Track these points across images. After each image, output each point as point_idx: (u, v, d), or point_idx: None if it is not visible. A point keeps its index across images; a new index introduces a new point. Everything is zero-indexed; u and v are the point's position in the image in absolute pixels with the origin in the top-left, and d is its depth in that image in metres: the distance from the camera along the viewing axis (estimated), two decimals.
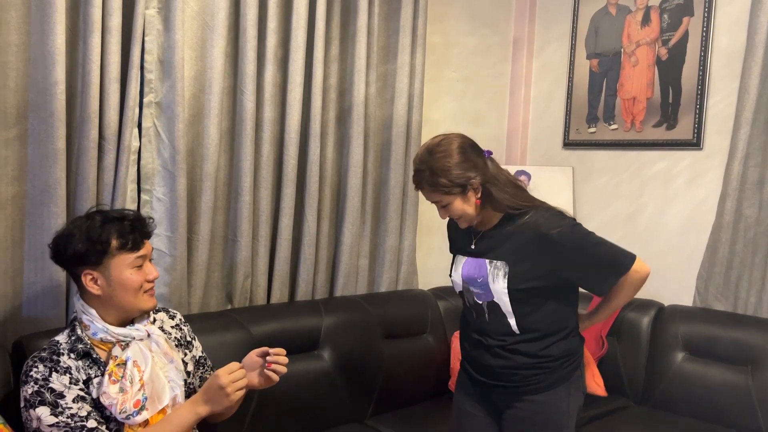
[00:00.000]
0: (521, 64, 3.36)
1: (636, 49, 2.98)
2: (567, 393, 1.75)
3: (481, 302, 1.76)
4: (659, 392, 2.62)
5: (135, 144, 2.06)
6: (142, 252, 1.57)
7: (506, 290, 1.69)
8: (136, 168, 2.09)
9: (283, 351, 1.60)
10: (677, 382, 2.58)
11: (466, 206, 1.71)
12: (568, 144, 3.23)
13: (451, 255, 1.91)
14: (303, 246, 2.49)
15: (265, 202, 2.36)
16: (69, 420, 1.42)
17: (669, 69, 2.87)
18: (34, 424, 1.42)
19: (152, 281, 1.59)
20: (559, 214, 1.73)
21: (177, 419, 1.51)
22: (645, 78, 2.95)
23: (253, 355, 1.63)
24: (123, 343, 1.53)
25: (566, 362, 1.74)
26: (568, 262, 1.68)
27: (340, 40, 2.54)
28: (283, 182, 2.40)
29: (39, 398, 1.43)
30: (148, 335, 1.57)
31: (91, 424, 1.44)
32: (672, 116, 2.86)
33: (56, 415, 1.41)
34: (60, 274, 1.89)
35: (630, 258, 1.73)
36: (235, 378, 1.50)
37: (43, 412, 1.41)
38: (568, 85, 3.23)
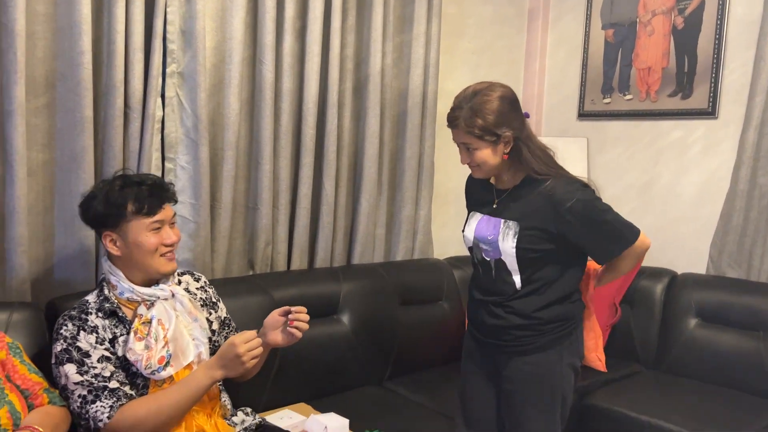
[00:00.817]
0: (536, 35, 3.36)
1: (652, 18, 2.97)
2: (559, 356, 1.79)
3: (488, 259, 1.81)
4: (671, 358, 2.67)
5: (159, 113, 2.11)
6: (159, 217, 1.61)
7: (514, 249, 1.73)
8: (160, 137, 2.14)
9: (304, 309, 1.66)
10: (689, 348, 2.62)
11: (492, 157, 1.72)
12: (583, 115, 3.25)
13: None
14: (321, 215, 2.54)
15: (284, 171, 2.41)
16: (93, 379, 1.49)
17: (685, 38, 2.87)
18: (62, 381, 1.50)
19: (170, 245, 1.63)
20: (577, 184, 1.75)
21: (194, 382, 1.57)
22: (660, 48, 2.95)
23: (275, 314, 1.70)
24: (148, 303, 1.60)
25: (559, 327, 1.78)
26: (575, 231, 1.71)
27: (357, 9, 2.56)
28: (302, 152, 2.45)
29: (67, 356, 1.50)
30: (173, 295, 1.63)
31: (113, 384, 1.51)
32: (687, 86, 2.87)
33: (81, 374, 1.49)
34: (89, 238, 1.96)
35: (635, 233, 1.78)
36: (250, 347, 1.55)
37: (70, 370, 1.49)
38: (584, 56, 3.23)
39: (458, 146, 1.77)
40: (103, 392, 1.49)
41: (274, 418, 1.96)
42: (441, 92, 2.86)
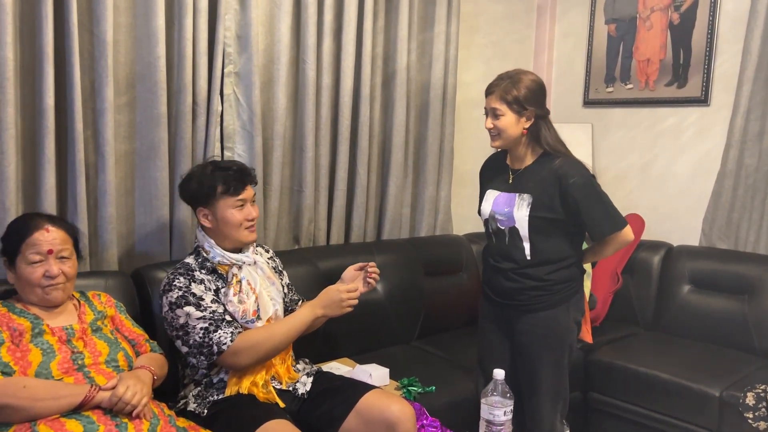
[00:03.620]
0: (545, 29, 3.65)
1: (650, 14, 3.26)
2: (566, 311, 2.10)
3: (503, 228, 2.10)
4: (666, 320, 2.99)
5: (219, 108, 2.42)
6: (242, 196, 1.94)
7: (527, 217, 2.03)
8: (219, 129, 2.46)
9: (374, 264, 2.04)
10: (683, 311, 2.95)
11: (513, 126, 2.01)
12: (588, 102, 3.54)
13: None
14: (355, 196, 2.86)
15: (324, 158, 2.72)
16: (211, 315, 1.81)
17: (680, 32, 3.16)
18: (182, 320, 1.81)
19: (252, 220, 1.96)
20: (582, 165, 2.06)
21: (299, 316, 1.91)
22: (658, 41, 3.24)
23: (351, 270, 2.07)
24: (237, 266, 1.93)
25: (566, 287, 2.08)
26: (576, 204, 2.00)
27: (386, 12, 2.86)
28: (339, 140, 2.76)
29: (185, 300, 1.82)
30: (255, 262, 1.96)
31: (228, 317, 1.85)
32: (683, 76, 3.16)
33: (202, 311, 1.81)
34: (165, 217, 2.29)
35: (623, 222, 2.06)
36: (351, 296, 1.93)
37: (191, 309, 1.81)
38: (588, 49, 3.52)
39: (487, 113, 2.05)
40: (221, 323, 1.81)
41: (325, 368, 2.29)
42: (459, 84, 3.16)
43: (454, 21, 3.07)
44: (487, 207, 2.15)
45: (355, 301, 1.95)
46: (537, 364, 2.11)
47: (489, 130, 2.07)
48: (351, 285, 1.96)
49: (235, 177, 1.93)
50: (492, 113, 2.03)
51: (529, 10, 3.64)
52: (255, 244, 2.04)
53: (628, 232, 2.07)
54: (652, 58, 3.27)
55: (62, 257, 1.72)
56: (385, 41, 2.89)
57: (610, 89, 3.45)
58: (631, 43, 3.34)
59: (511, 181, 2.12)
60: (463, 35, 3.22)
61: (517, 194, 2.07)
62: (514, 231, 2.07)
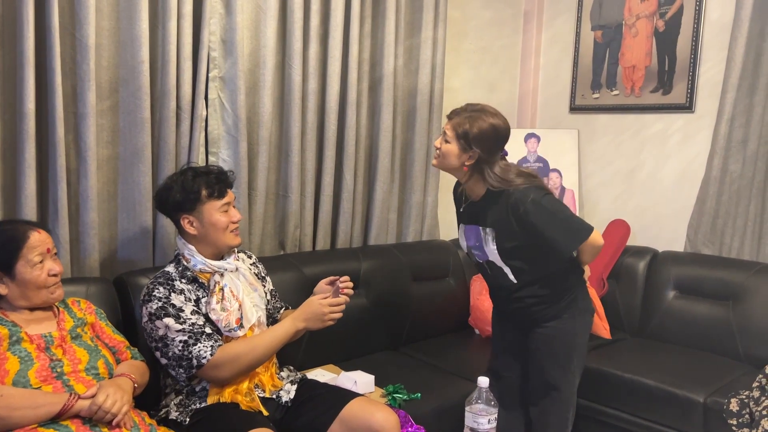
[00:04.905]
0: (531, 35, 3.66)
1: (636, 21, 3.28)
2: (572, 317, 2.12)
3: (482, 261, 2.14)
4: (652, 326, 3.00)
5: (204, 113, 2.41)
6: (226, 199, 1.93)
7: (496, 250, 2.05)
8: (204, 134, 2.44)
9: (348, 278, 1.99)
10: (668, 317, 2.96)
11: (454, 157, 1.99)
12: (575, 108, 3.56)
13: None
14: (342, 201, 2.85)
15: (310, 163, 2.71)
16: (191, 327, 1.79)
17: (665, 39, 3.18)
18: (161, 332, 1.79)
19: (236, 222, 1.95)
20: (530, 189, 1.98)
21: (281, 329, 1.89)
22: (644, 48, 3.26)
23: (322, 284, 2.04)
24: (218, 273, 1.91)
25: (566, 295, 2.10)
26: (536, 228, 1.98)
27: (372, 17, 2.85)
28: (325, 145, 2.75)
29: (164, 312, 1.80)
30: (236, 268, 1.94)
31: (209, 329, 1.82)
32: (668, 82, 3.18)
33: (181, 323, 1.79)
34: (148, 222, 2.26)
35: (588, 229, 2.02)
36: (334, 310, 1.90)
37: (170, 321, 1.79)
38: (575, 55, 3.54)
39: (442, 131, 2.05)
40: (201, 336, 1.79)
41: (310, 375, 2.27)
42: (446, 89, 3.16)
43: (441, 26, 3.07)
44: (463, 242, 2.20)
45: (339, 315, 1.92)
46: (545, 370, 2.14)
47: (436, 148, 2.07)
48: (336, 299, 1.92)
49: (218, 180, 1.92)
50: (443, 135, 2.04)
51: (516, 17, 3.65)
52: (237, 250, 2.03)
53: (594, 238, 2.03)
54: (638, 65, 3.29)
55: (54, 255, 1.76)
56: (372, 46, 2.88)
57: (596, 95, 3.47)
58: (617, 50, 3.36)
59: (462, 209, 2.15)
60: (450, 41, 3.22)
61: (481, 228, 2.09)
62: (491, 264, 2.11)
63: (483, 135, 1.97)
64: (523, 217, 1.97)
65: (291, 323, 1.90)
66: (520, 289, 2.10)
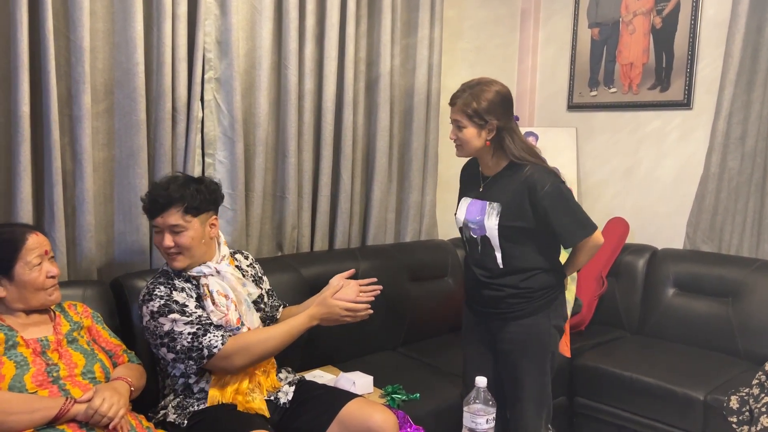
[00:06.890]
0: (528, 33, 3.65)
1: (633, 18, 3.28)
2: (547, 318, 2.08)
3: (475, 236, 2.09)
4: (652, 323, 3.00)
5: (199, 114, 2.40)
6: (157, 221, 1.86)
7: (497, 226, 2.02)
8: (200, 135, 2.43)
9: (374, 280, 2.06)
10: (668, 315, 2.95)
11: (475, 138, 2.00)
12: (572, 106, 3.55)
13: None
14: (339, 201, 2.84)
15: (307, 164, 2.70)
16: (198, 319, 1.79)
17: (663, 36, 3.17)
18: (167, 327, 1.77)
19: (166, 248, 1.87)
20: (552, 174, 2.03)
21: (296, 322, 1.90)
22: (641, 45, 3.26)
23: (339, 278, 2.05)
24: (203, 277, 1.88)
25: (545, 293, 2.07)
26: (547, 213, 1.98)
27: (368, 16, 2.85)
28: (322, 146, 2.74)
29: (168, 308, 1.79)
30: (218, 272, 1.91)
31: (215, 322, 1.82)
32: (665, 79, 3.18)
33: (188, 316, 1.79)
34: (145, 225, 2.25)
35: (594, 226, 2.05)
36: (349, 314, 1.95)
37: (176, 316, 1.78)
38: (572, 53, 3.53)
39: (451, 123, 2.04)
40: (209, 326, 1.79)
41: (308, 376, 2.26)
42: (443, 89, 3.16)
43: (438, 26, 3.06)
44: (460, 215, 2.14)
45: (351, 320, 1.97)
46: (519, 371, 2.10)
47: (453, 140, 2.06)
48: (354, 306, 1.95)
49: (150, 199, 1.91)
50: (455, 124, 2.03)
51: (512, 15, 3.64)
52: (231, 251, 2.02)
53: (598, 236, 2.06)
54: (635, 62, 3.28)
55: (51, 258, 1.76)
56: (368, 46, 2.88)
57: (593, 93, 3.46)
58: (614, 47, 3.36)
59: (482, 188, 2.11)
60: (446, 40, 3.22)
61: (488, 202, 2.06)
62: (485, 240, 2.07)
63: (492, 104, 1.97)
64: (540, 200, 1.96)
65: (307, 320, 1.92)
66: (502, 276, 2.05)
